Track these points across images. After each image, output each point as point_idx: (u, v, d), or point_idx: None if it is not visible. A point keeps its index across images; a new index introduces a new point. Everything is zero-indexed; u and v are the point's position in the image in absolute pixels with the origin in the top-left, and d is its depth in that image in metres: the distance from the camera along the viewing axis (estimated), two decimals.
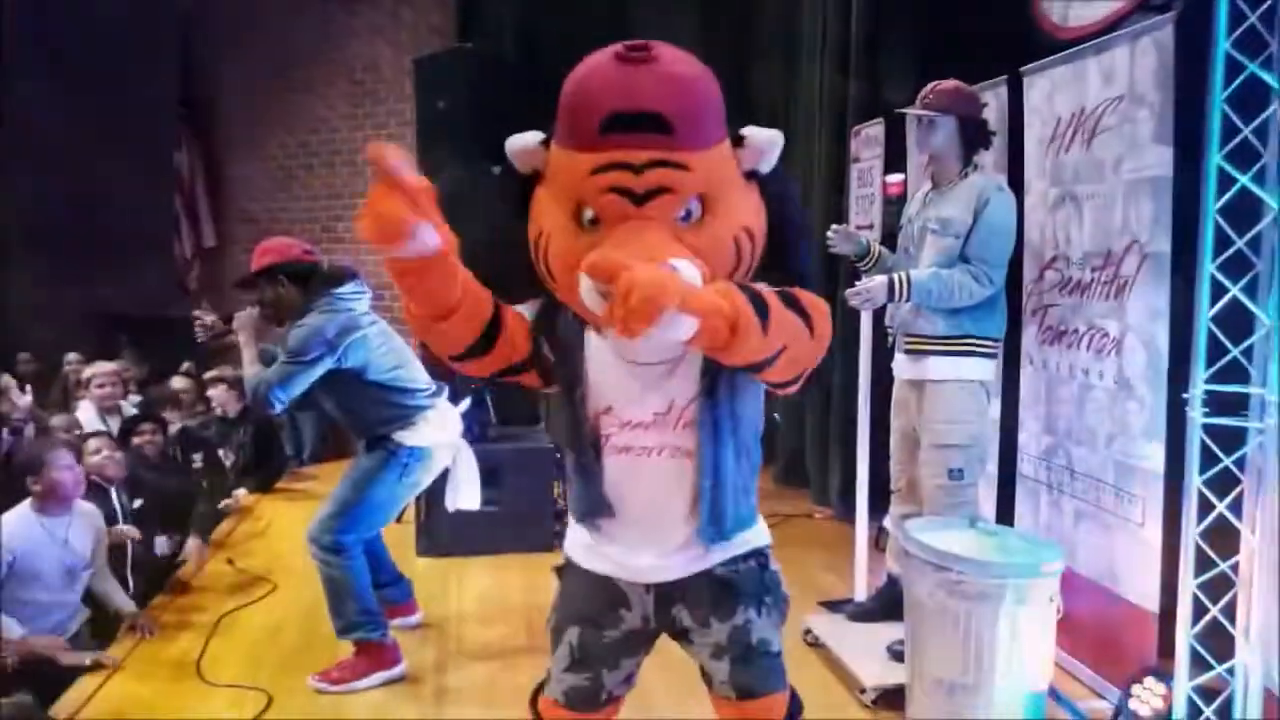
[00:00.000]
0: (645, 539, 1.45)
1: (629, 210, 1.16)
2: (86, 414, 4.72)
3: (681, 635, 1.52)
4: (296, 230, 6.55)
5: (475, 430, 4.34)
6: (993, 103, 3.22)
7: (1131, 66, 2.64)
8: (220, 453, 5.01)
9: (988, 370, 2.86)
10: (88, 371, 4.90)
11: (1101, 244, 2.77)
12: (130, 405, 5.04)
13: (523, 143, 1.27)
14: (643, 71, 1.13)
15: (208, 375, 5.33)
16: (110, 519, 3.48)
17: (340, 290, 2.80)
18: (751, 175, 1.28)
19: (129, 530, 3.52)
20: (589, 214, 1.19)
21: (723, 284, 1.17)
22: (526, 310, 1.40)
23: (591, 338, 1.35)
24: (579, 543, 1.53)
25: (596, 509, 1.44)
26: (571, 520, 1.54)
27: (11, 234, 6.80)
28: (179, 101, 7.54)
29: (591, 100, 1.15)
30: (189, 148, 7.61)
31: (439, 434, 2.88)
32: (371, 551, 3.06)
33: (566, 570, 1.57)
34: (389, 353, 2.85)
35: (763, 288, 1.23)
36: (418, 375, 2.92)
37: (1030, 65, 3.12)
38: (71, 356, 5.74)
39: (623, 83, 1.13)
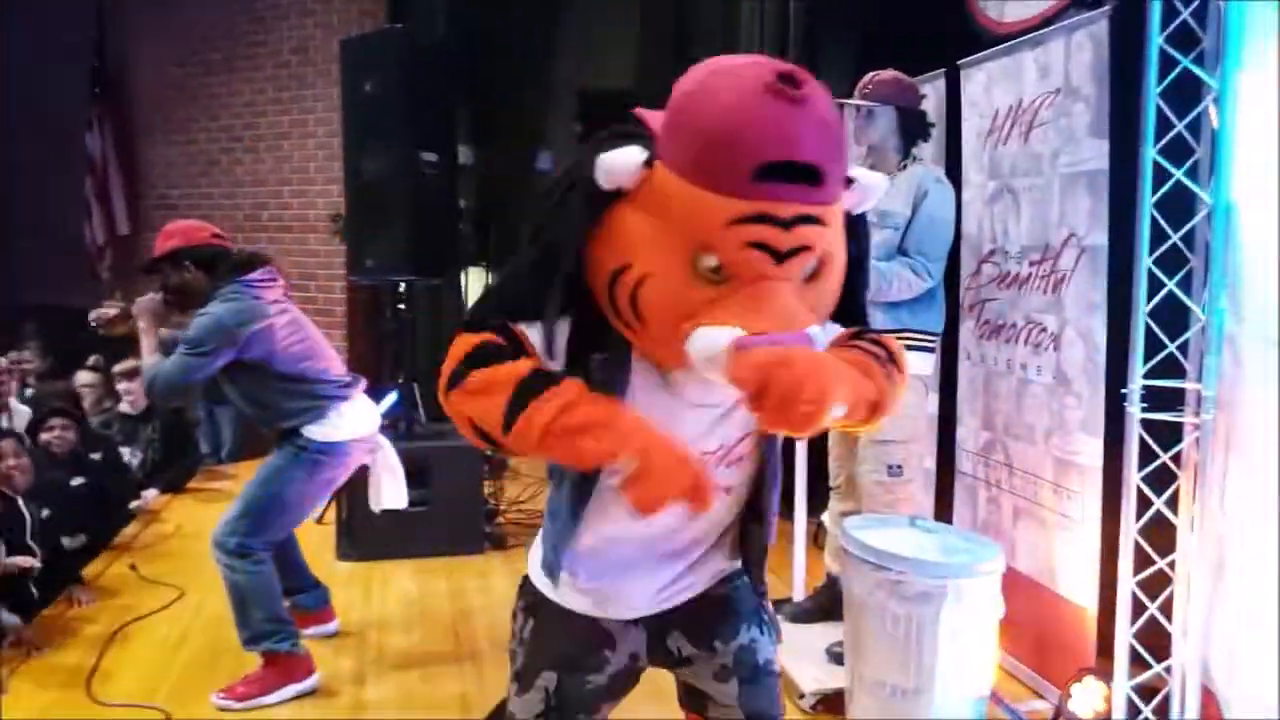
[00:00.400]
0: (642, 573, 1.32)
1: (769, 269, 1.00)
2: None
3: (681, 664, 1.39)
4: (218, 218, 6.23)
5: (402, 426, 4.21)
6: (931, 96, 3.18)
7: (1067, 60, 2.62)
8: (126, 451, 4.73)
9: (926, 365, 2.82)
10: None
11: (1039, 237, 2.74)
12: (19, 404, 4.74)
13: (623, 161, 1.04)
14: (802, 114, 0.97)
15: (117, 368, 5.03)
16: (19, 531, 3.22)
17: (249, 277, 2.68)
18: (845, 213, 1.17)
19: (21, 561, 3.20)
20: (711, 262, 1.01)
21: (858, 356, 1.12)
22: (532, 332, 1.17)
23: (641, 369, 1.17)
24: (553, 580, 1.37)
25: (594, 549, 1.30)
26: (541, 560, 1.36)
27: None
28: (93, 81, 7.16)
29: (745, 143, 0.97)
30: (102, 129, 7.23)
31: (353, 428, 2.76)
32: (284, 555, 2.91)
33: (539, 607, 1.38)
34: (298, 343, 2.72)
35: (873, 349, 1.18)
36: (331, 366, 2.80)
37: (967, 59, 3.09)
38: None
39: (783, 127, 0.97)
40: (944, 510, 3.26)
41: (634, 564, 1.31)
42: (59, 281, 7.20)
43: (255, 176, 6.69)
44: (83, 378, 5.43)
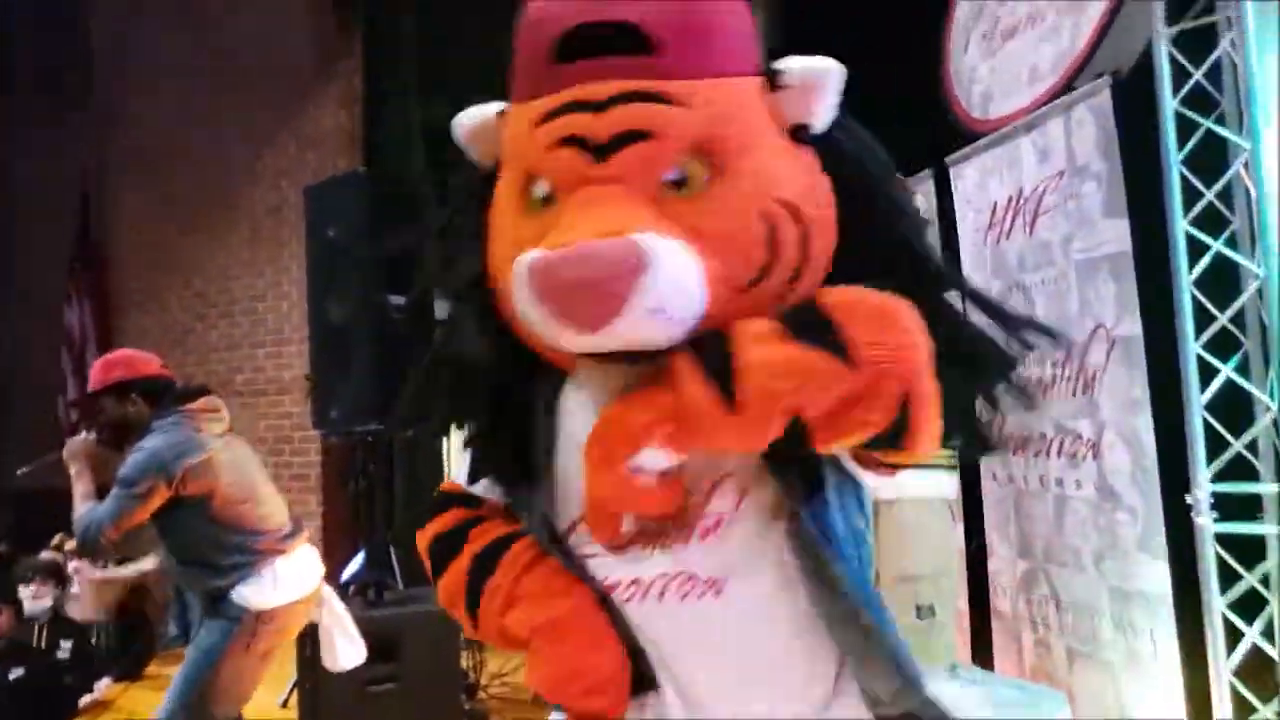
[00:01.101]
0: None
1: (588, 169, 0.75)
2: None
3: None
4: None
5: (371, 592, 3.82)
6: (920, 198, 2.98)
7: (1069, 139, 2.42)
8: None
9: (949, 486, 2.48)
10: None
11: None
12: None
13: (478, 118, 0.87)
14: None
15: (67, 547, 4.67)
16: None
17: (189, 407, 2.46)
18: (801, 134, 0.81)
19: None
20: (541, 188, 0.79)
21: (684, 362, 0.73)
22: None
23: (572, 401, 0.86)
24: None
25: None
26: None
27: None
28: (72, 256, 7.14)
29: (544, 17, 0.78)
30: (80, 303, 7.15)
31: (291, 589, 2.46)
32: None
33: None
34: (237, 481, 2.46)
35: (760, 324, 0.74)
36: (273, 513, 2.53)
37: (956, 154, 2.91)
38: None
39: None
40: (981, 657, 2.84)
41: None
42: (29, 461, 6.93)
43: (229, 341, 6.53)
44: (47, 558, 5.06)
